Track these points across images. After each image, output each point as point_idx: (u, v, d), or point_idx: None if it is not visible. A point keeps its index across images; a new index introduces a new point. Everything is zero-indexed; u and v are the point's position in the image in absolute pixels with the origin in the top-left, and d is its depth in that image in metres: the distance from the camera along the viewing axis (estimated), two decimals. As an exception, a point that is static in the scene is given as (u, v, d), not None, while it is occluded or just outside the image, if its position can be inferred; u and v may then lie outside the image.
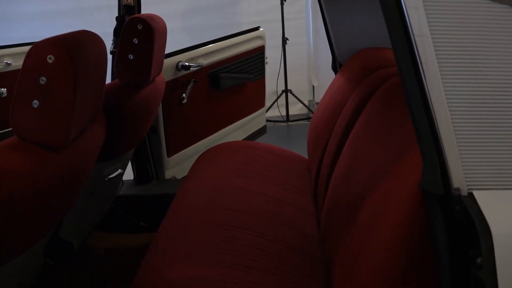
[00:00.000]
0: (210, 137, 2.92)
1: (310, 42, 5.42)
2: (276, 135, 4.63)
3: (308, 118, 5.13)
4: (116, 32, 2.44)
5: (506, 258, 0.82)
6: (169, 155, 2.69)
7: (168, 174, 2.72)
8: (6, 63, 2.87)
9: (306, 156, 2.34)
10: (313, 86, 5.48)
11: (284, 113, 5.21)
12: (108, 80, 1.88)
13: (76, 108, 1.26)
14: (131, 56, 1.95)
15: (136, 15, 2.06)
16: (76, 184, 1.48)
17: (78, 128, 1.35)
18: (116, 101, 1.87)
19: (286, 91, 5.18)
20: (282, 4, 4.99)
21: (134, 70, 1.97)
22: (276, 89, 5.17)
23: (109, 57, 1.79)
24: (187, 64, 2.63)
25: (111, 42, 2.46)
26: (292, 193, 1.93)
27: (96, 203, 2.09)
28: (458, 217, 0.87)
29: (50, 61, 1.20)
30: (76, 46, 1.28)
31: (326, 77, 4.69)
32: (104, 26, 2.80)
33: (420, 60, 0.90)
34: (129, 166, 2.52)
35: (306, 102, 5.36)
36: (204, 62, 2.75)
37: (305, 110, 5.31)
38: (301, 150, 2.60)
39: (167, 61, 2.48)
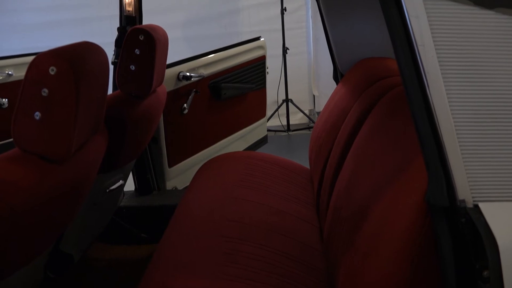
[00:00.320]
0: (211, 147, 2.92)
1: (311, 51, 5.43)
2: (277, 145, 4.62)
3: (309, 128, 5.12)
4: (118, 42, 2.45)
5: (513, 270, 0.82)
6: (170, 165, 2.69)
7: (170, 184, 2.71)
8: (8, 73, 2.87)
9: (308, 166, 2.33)
10: (314, 96, 5.48)
11: (285, 123, 5.21)
12: (110, 90, 1.88)
13: (78, 120, 1.26)
14: (132, 67, 1.95)
15: (138, 25, 2.06)
16: (77, 196, 1.47)
17: (80, 140, 1.35)
18: (117, 112, 1.87)
19: (287, 100, 5.18)
20: (282, 14, 5.00)
21: (136, 81, 1.97)
22: (277, 98, 5.18)
23: (111, 67, 1.78)
24: (188, 74, 2.63)
25: (113, 52, 2.46)
26: (294, 203, 1.91)
27: (97, 214, 2.08)
28: (463, 229, 0.86)
29: (52, 73, 1.20)
30: (78, 58, 1.27)
31: (326, 87, 4.70)
32: (105, 36, 2.81)
33: (423, 69, 0.90)
34: (130, 176, 2.51)
35: (307, 112, 5.36)
36: (205, 72, 2.75)
37: (306, 120, 5.30)
38: (302, 159, 2.59)
39: (169, 72, 2.48)
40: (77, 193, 1.45)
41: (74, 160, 1.34)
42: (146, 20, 2.45)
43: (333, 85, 2.52)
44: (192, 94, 2.67)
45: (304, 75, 5.46)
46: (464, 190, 0.87)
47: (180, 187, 2.75)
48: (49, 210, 1.28)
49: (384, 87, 1.68)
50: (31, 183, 1.18)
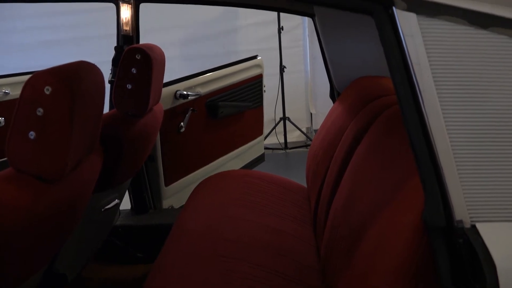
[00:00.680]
0: (208, 165, 2.91)
1: (308, 70, 5.45)
2: (274, 163, 4.61)
3: (307, 146, 5.12)
4: (115, 62, 2.45)
5: (512, 292, 0.81)
6: (166, 184, 2.67)
7: (166, 203, 2.70)
8: (4, 92, 2.87)
9: (305, 184, 2.33)
10: (311, 114, 5.49)
11: (282, 141, 5.21)
12: (106, 109, 1.88)
13: (73, 139, 1.25)
14: (129, 86, 1.95)
15: (135, 45, 2.07)
16: (72, 215, 1.46)
17: (75, 159, 1.34)
18: (113, 131, 1.86)
19: (284, 118, 5.19)
20: (279, 32, 5.04)
21: (132, 100, 1.97)
22: (274, 116, 5.19)
23: (108, 86, 1.78)
24: (185, 93, 2.63)
25: (110, 71, 2.47)
26: (291, 222, 1.90)
27: (92, 233, 2.06)
28: (461, 249, 0.85)
29: (47, 92, 1.19)
30: (74, 77, 1.27)
31: (324, 105, 4.71)
32: (103, 55, 2.82)
33: (419, 88, 0.90)
34: (127, 195, 2.49)
35: (304, 130, 5.36)
36: (202, 90, 2.75)
37: (303, 138, 5.31)
38: (299, 177, 2.58)
39: (166, 90, 2.49)
40: (71, 212, 1.44)
41: (69, 180, 1.33)
42: (144, 39, 2.46)
43: (330, 103, 2.52)
44: (189, 112, 2.67)
45: (302, 93, 5.48)
46: (462, 210, 0.87)
47: (176, 206, 2.73)
48: (43, 230, 1.27)
49: (381, 105, 1.68)
50: (24, 203, 1.17)
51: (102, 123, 1.56)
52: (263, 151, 3.39)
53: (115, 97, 1.99)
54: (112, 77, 2.43)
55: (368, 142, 1.53)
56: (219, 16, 5.13)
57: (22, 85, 1.22)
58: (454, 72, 0.90)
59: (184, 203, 2.18)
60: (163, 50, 2.18)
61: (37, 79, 1.20)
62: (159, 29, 4.36)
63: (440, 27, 0.90)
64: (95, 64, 1.47)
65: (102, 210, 1.99)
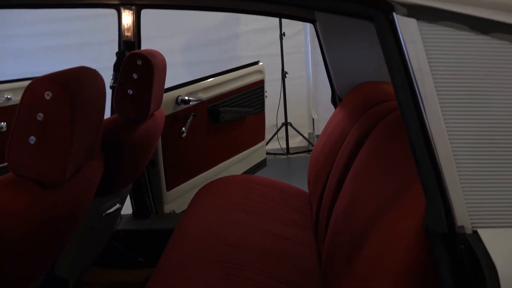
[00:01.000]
0: (210, 170, 2.90)
1: (310, 75, 5.46)
2: (276, 168, 4.61)
3: (308, 151, 5.12)
4: (116, 67, 2.46)
5: (514, 298, 0.80)
6: (168, 189, 2.67)
7: (167, 208, 2.69)
8: (6, 97, 2.88)
9: (306, 190, 2.32)
10: (313, 119, 5.49)
11: (284, 146, 5.21)
12: (107, 114, 1.88)
13: (73, 145, 1.25)
14: (130, 91, 1.95)
15: (136, 50, 2.08)
16: (72, 220, 1.46)
17: (76, 165, 1.34)
18: (115, 136, 1.86)
19: (286, 124, 5.19)
20: (281, 38, 5.05)
21: (134, 105, 1.97)
22: (276, 122, 5.19)
23: (109, 92, 1.79)
24: (186, 98, 2.63)
25: (111, 77, 2.48)
26: (293, 228, 1.90)
27: (93, 238, 2.06)
28: (462, 255, 0.85)
29: (47, 98, 1.19)
30: (74, 83, 1.27)
31: (325, 110, 4.71)
32: (104, 61, 2.83)
33: (420, 94, 0.90)
34: (128, 200, 2.49)
35: (306, 135, 5.36)
36: (204, 96, 2.76)
37: (305, 143, 5.31)
38: (301, 183, 2.58)
39: (167, 95, 2.49)
40: (72, 217, 1.44)
41: (69, 185, 1.33)
42: (146, 45, 2.47)
43: (332, 108, 2.52)
44: (190, 118, 2.67)
45: (303, 99, 5.48)
46: (463, 216, 0.86)
47: (178, 211, 2.73)
48: (43, 235, 1.27)
49: (382, 111, 1.68)
50: (23, 208, 1.16)
51: (103, 128, 1.56)
52: (265, 156, 3.39)
53: (116, 102, 1.99)
54: (113, 83, 2.44)
55: (369, 148, 1.53)
56: (221, 22, 5.14)
57: (23, 90, 1.23)
58: (456, 77, 0.90)
59: (185, 208, 2.18)
60: (165, 56, 2.18)
61: (37, 84, 1.20)
62: (160, 36, 4.37)
63: (441, 32, 0.90)
64: (96, 70, 1.47)
65: (103, 214, 1.99)
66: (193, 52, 5.16)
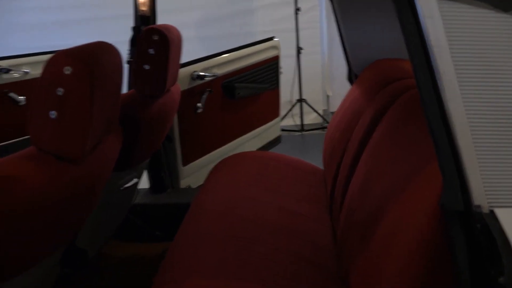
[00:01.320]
0: (225, 146, 2.92)
1: (325, 51, 5.41)
2: (290, 145, 4.61)
3: (323, 128, 5.11)
4: (132, 42, 2.46)
5: (529, 277, 0.81)
6: (184, 164, 2.70)
7: (183, 183, 2.73)
8: (24, 72, 2.90)
9: (321, 167, 2.33)
10: (328, 96, 5.46)
11: (298, 123, 5.20)
12: (124, 89, 1.89)
13: (93, 119, 1.27)
14: (147, 67, 1.96)
15: (152, 25, 2.07)
16: (91, 194, 1.48)
17: (95, 139, 1.36)
18: (132, 111, 1.88)
19: (301, 100, 5.17)
20: (296, 13, 4.99)
21: (150, 80, 1.98)
22: (291, 98, 5.17)
23: (125, 66, 1.80)
24: (202, 74, 2.63)
25: (127, 51, 2.48)
26: (307, 204, 1.91)
27: (111, 212, 2.10)
28: (479, 235, 0.85)
29: (67, 73, 1.21)
30: (93, 58, 1.28)
31: (340, 87, 4.68)
32: (120, 35, 2.83)
33: (438, 71, 0.89)
34: (145, 174, 2.53)
35: (320, 112, 5.34)
36: (219, 72, 2.76)
37: (319, 120, 5.29)
38: (316, 159, 2.58)
39: (182, 71, 2.49)
40: (91, 191, 1.47)
41: (88, 159, 1.35)
42: (160, 20, 2.46)
43: (347, 85, 2.51)
44: (206, 93, 2.68)
45: (318, 75, 5.44)
46: (480, 196, 0.86)
47: (194, 186, 2.76)
48: (63, 208, 1.30)
49: (399, 89, 1.67)
50: (44, 181, 1.19)
51: (121, 103, 1.58)
52: (279, 133, 3.40)
53: (133, 77, 2.00)
54: (130, 58, 2.44)
55: (385, 125, 1.52)
56: (235, -4, 5.10)
57: (41, 64, 1.24)
58: (474, 55, 0.89)
59: (201, 183, 2.21)
60: (179, 31, 2.18)
61: (57, 59, 1.22)
62: (174, 10, 4.35)
63: (460, 9, 0.89)
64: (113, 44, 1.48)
65: (121, 189, 2.03)
66: (207, 27, 5.14)
